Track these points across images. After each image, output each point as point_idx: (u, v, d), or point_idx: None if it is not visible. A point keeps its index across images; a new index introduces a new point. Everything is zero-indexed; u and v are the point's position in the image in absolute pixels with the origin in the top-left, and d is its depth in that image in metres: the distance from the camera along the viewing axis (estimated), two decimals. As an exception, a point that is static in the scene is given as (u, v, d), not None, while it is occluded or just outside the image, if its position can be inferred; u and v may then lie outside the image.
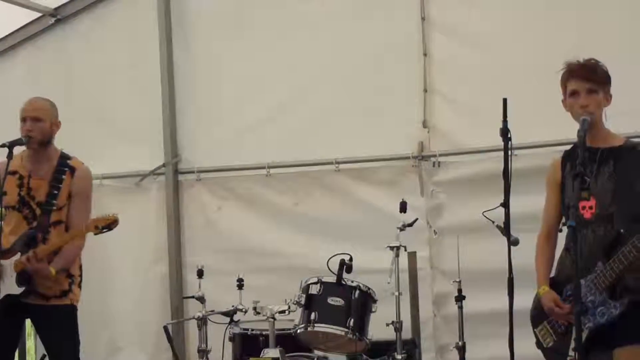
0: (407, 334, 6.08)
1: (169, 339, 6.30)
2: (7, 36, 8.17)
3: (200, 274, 6.32)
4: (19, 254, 5.45)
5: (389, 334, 5.74)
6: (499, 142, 4.46)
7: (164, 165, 7.73)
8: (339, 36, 7.25)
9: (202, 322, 6.16)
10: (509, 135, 4.43)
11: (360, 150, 7.16)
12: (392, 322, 5.70)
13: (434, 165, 6.98)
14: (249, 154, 7.46)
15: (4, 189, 5.40)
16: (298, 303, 5.61)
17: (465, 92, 6.90)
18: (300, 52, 7.38)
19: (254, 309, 5.87)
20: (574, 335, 4.34)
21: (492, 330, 5.91)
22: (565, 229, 4.40)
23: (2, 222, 5.53)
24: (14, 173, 5.59)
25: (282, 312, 5.64)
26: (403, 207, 5.92)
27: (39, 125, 5.58)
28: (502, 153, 4.43)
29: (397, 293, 5.73)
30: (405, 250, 5.90)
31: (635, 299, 4.32)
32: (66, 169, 5.64)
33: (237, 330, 6.07)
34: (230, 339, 6.09)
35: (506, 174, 4.39)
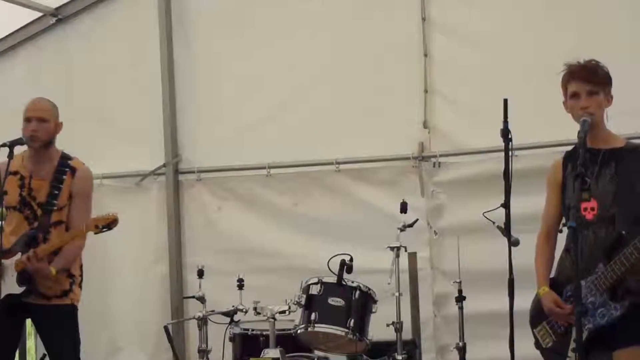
0: (407, 334, 6.08)
1: (169, 339, 6.30)
2: (7, 36, 8.17)
3: (200, 274, 6.33)
4: (20, 254, 5.45)
5: (389, 335, 5.74)
6: (500, 143, 4.45)
7: (164, 165, 7.73)
8: (340, 36, 7.25)
9: (203, 322, 6.16)
10: (509, 136, 4.43)
11: (360, 150, 7.16)
12: (393, 323, 5.70)
13: (434, 166, 6.98)
14: (250, 154, 7.46)
15: (5, 189, 5.40)
16: (298, 303, 5.61)
17: (466, 93, 6.90)
18: (301, 51, 7.38)
19: (255, 309, 5.88)
20: (573, 336, 4.35)
21: (493, 331, 5.92)
22: (565, 230, 4.41)
23: (3, 222, 5.55)
24: (15, 173, 5.60)
25: (283, 312, 5.65)
26: (403, 208, 5.92)
27: (45, 126, 5.60)
28: (502, 154, 4.42)
29: (397, 293, 5.73)
30: (406, 250, 5.90)
31: (636, 301, 4.32)
32: (67, 169, 5.65)
33: (237, 330, 6.07)
34: (231, 339, 6.09)
35: (507, 174, 4.39)
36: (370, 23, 7.16)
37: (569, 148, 4.71)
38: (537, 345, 4.72)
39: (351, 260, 5.61)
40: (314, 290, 5.62)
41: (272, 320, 5.62)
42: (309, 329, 5.54)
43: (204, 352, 6.18)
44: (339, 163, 7.20)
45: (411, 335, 6.33)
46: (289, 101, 7.41)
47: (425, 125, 7.01)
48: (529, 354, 4.70)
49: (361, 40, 7.18)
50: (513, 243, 4.38)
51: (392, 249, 5.76)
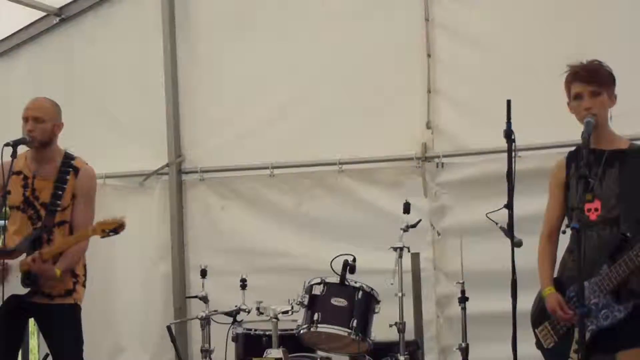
0: (410, 335, 6.06)
1: (172, 339, 6.31)
2: (11, 35, 8.18)
3: (203, 273, 6.33)
4: (24, 254, 5.46)
5: (392, 335, 5.72)
6: (503, 144, 4.44)
7: (167, 165, 7.73)
8: (343, 37, 7.24)
9: (205, 322, 6.17)
10: (512, 137, 4.43)
11: (363, 151, 7.15)
12: (395, 323, 5.68)
13: (437, 167, 6.97)
14: (253, 154, 7.46)
15: (8, 189, 5.40)
16: (301, 303, 5.61)
17: (469, 94, 6.89)
18: (304, 52, 7.37)
19: (257, 309, 5.89)
20: (575, 337, 4.35)
21: (495, 331, 5.89)
22: (569, 231, 4.41)
23: (7, 222, 5.56)
24: (18, 173, 5.60)
25: (285, 312, 5.65)
26: (406, 208, 5.91)
27: (41, 126, 5.57)
28: (505, 154, 4.42)
29: (400, 294, 5.71)
30: (409, 251, 5.88)
31: (640, 303, 4.33)
32: (70, 169, 5.64)
33: (240, 330, 6.07)
34: (233, 339, 6.10)
35: (510, 175, 4.39)
36: (373, 23, 7.15)
37: (573, 149, 4.71)
38: (539, 345, 4.72)
39: (354, 260, 5.61)
40: (317, 290, 5.62)
41: (275, 320, 5.62)
42: (312, 329, 5.54)
43: (206, 352, 6.18)
44: (342, 163, 7.19)
45: (414, 336, 6.31)
46: (292, 101, 7.40)
47: (428, 125, 7.00)
48: (531, 354, 4.71)
49: (364, 41, 7.17)
50: (516, 244, 4.38)
51: (395, 249, 5.74)
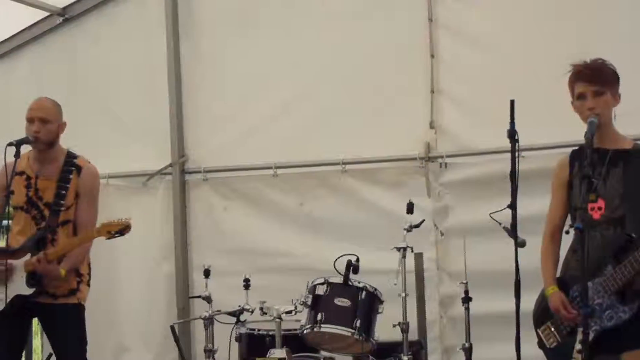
0: (413, 335, 6.06)
1: (176, 339, 6.31)
2: (14, 35, 8.18)
3: (206, 273, 6.33)
4: (28, 254, 5.46)
5: (395, 335, 5.73)
6: (506, 144, 4.45)
7: (170, 165, 7.74)
8: (346, 36, 7.23)
9: (209, 322, 6.16)
10: (516, 137, 4.42)
11: (366, 150, 7.15)
12: (399, 323, 5.68)
13: (440, 167, 6.97)
14: (256, 154, 7.46)
15: (12, 189, 5.40)
16: (304, 303, 5.60)
17: (473, 94, 6.89)
18: (307, 51, 7.37)
19: (261, 309, 5.89)
20: (578, 337, 4.34)
21: (499, 331, 5.88)
22: (572, 231, 4.40)
23: (10, 222, 5.55)
24: (21, 173, 5.60)
25: (289, 312, 5.64)
26: (410, 208, 5.91)
27: (47, 127, 5.58)
28: (509, 154, 4.42)
29: (403, 294, 5.71)
30: (412, 251, 5.88)
31: (645, 304, 4.32)
32: (72, 168, 5.64)
33: (243, 330, 6.08)
34: (237, 339, 6.10)
35: (513, 175, 4.38)
36: (376, 23, 7.15)
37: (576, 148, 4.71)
38: (541, 345, 4.71)
39: (357, 260, 5.61)
40: (320, 290, 5.61)
41: (278, 320, 5.62)
42: (315, 329, 5.53)
43: (210, 352, 6.18)
44: (345, 163, 7.19)
45: (417, 336, 6.31)
46: (295, 101, 7.40)
47: (431, 125, 7.00)
48: (535, 355, 4.71)
49: (367, 41, 7.17)
50: (519, 244, 4.38)
51: (398, 249, 5.74)
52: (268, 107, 7.48)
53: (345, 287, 5.59)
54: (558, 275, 4.68)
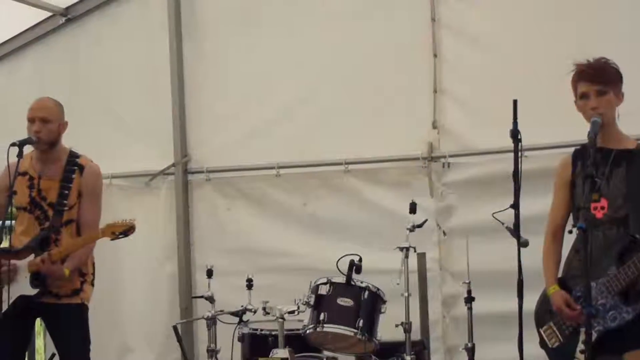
0: (416, 335, 6.07)
1: (178, 339, 6.31)
2: (17, 35, 8.19)
3: (209, 273, 6.33)
4: (32, 255, 5.46)
5: (398, 335, 5.72)
6: (509, 144, 4.43)
7: (173, 165, 7.74)
8: (349, 36, 7.23)
9: (212, 322, 6.17)
10: (519, 137, 4.42)
11: (369, 150, 7.15)
12: (402, 323, 5.68)
13: (443, 166, 6.97)
14: (259, 154, 7.46)
15: (15, 189, 5.40)
16: (307, 303, 5.60)
17: (475, 93, 6.89)
18: (311, 51, 7.37)
19: (263, 309, 5.89)
20: (581, 338, 4.34)
21: (502, 331, 5.91)
22: (575, 230, 4.40)
23: (14, 222, 5.56)
24: (24, 174, 5.60)
25: (292, 312, 5.64)
26: (413, 208, 5.90)
27: (48, 127, 5.58)
28: (512, 154, 4.41)
29: (406, 294, 5.71)
30: (415, 251, 5.88)
31: (648, 305, 4.32)
32: (75, 167, 5.65)
33: (246, 330, 6.08)
34: (240, 339, 6.10)
35: (516, 175, 4.38)
36: (379, 23, 7.15)
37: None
38: (542, 344, 4.70)
39: (360, 260, 5.60)
40: (323, 290, 5.61)
41: (281, 320, 5.62)
42: (318, 329, 5.53)
43: (212, 352, 6.18)
44: (347, 163, 7.19)
45: (420, 336, 6.31)
46: (298, 101, 7.40)
47: (434, 125, 7.00)
48: (538, 355, 4.70)
49: (370, 40, 7.17)
50: (522, 244, 4.37)
51: (401, 249, 5.74)
52: (271, 106, 7.49)
53: (348, 287, 5.59)
54: (560, 275, 4.67)
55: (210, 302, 6.24)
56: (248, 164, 7.51)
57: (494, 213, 4.70)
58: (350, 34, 7.24)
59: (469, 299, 5.91)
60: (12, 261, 5.43)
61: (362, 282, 5.60)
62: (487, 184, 6.64)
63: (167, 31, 7.73)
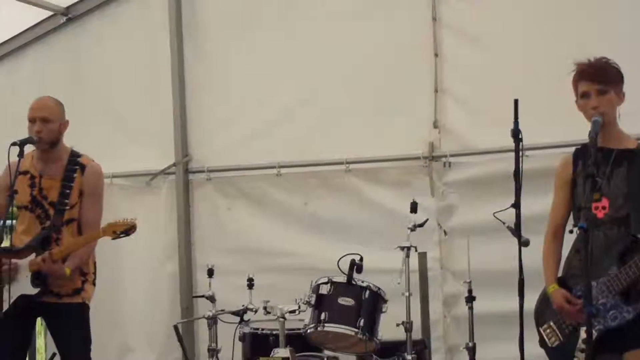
0: (417, 334, 6.08)
1: (179, 339, 6.31)
2: (17, 35, 8.19)
3: (210, 273, 6.34)
4: (33, 254, 5.46)
5: (399, 334, 5.72)
6: (510, 143, 4.43)
7: (174, 164, 7.75)
8: (349, 36, 7.24)
9: (212, 321, 6.18)
10: (520, 136, 4.42)
11: (370, 150, 7.16)
12: (402, 323, 5.68)
13: (444, 166, 6.97)
14: (259, 153, 7.46)
15: (16, 188, 5.40)
16: (308, 303, 5.60)
17: (476, 93, 6.90)
18: (311, 51, 7.38)
19: (264, 308, 5.90)
20: (581, 337, 4.34)
21: (503, 331, 5.92)
22: (576, 231, 4.40)
23: (15, 221, 5.55)
24: (25, 173, 5.59)
25: (292, 311, 5.64)
26: (414, 208, 5.91)
27: (49, 127, 5.56)
28: (513, 154, 4.41)
29: (407, 293, 5.71)
30: (416, 250, 5.88)
31: (649, 304, 4.31)
32: (76, 167, 5.64)
33: (247, 329, 6.08)
34: (240, 339, 6.10)
35: (517, 174, 4.37)
36: (381, 23, 7.15)
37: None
38: (542, 344, 4.69)
39: (361, 260, 5.61)
40: (324, 289, 5.61)
41: (282, 319, 5.62)
42: (319, 329, 5.53)
43: (213, 352, 6.19)
44: (348, 163, 7.19)
45: (421, 335, 6.32)
46: (299, 101, 7.40)
47: (435, 125, 7.01)
48: (538, 354, 4.70)
49: (371, 40, 7.18)
50: (523, 243, 4.36)
51: (402, 248, 5.74)
52: (271, 106, 7.49)
53: (349, 287, 5.59)
54: (560, 274, 4.67)
55: (211, 302, 6.24)
56: (249, 164, 7.51)
57: (495, 212, 4.70)
58: (350, 34, 7.24)
59: (470, 299, 5.91)
60: (13, 260, 5.42)
61: (363, 282, 5.61)
62: (488, 184, 6.64)
63: (168, 31, 7.73)
